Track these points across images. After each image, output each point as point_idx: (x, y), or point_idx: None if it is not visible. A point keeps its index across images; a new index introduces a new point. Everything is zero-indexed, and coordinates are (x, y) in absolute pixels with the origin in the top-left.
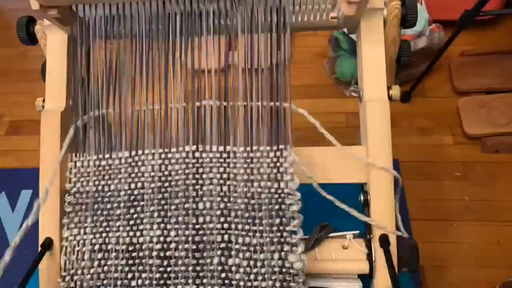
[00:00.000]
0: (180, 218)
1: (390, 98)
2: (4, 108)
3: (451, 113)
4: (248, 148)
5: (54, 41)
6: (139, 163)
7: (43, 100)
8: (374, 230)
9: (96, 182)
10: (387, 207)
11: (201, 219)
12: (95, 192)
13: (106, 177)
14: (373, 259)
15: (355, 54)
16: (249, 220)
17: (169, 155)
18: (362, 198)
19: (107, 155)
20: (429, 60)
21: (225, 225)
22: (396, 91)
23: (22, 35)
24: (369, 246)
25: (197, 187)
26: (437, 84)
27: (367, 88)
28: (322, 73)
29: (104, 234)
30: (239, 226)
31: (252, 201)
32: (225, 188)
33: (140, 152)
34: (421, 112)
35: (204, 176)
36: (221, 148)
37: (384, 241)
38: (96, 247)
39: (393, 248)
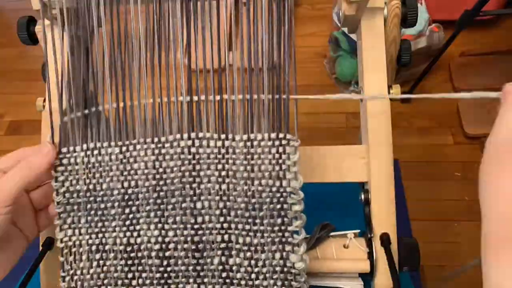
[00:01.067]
0: (178, 218)
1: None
2: (4, 108)
3: (451, 113)
4: (249, 143)
5: (54, 41)
6: (131, 160)
7: (44, 100)
8: (375, 229)
9: (87, 181)
10: (387, 206)
11: (199, 219)
12: (86, 192)
13: (97, 175)
14: (374, 258)
15: (355, 54)
16: (250, 220)
17: (163, 151)
18: (362, 197)
19: (95, 151)
20: (429, 60)
21: (225, 225)
22: (396, 90)
23: (22, 35)
24: (370, 245)
25: (194, 185)
26: (437, 84)
27: (368, 87)
28: (322, 73)
29: (100, 235)
30: (240, 226)
31: (253, 200)
32: (224, 186)
33: (131, 147)
34: (421, 112)
35: (202, 173)
36: (219, 143)
37: (385, 240)
38: (93, 247)
39: (394, 247)
